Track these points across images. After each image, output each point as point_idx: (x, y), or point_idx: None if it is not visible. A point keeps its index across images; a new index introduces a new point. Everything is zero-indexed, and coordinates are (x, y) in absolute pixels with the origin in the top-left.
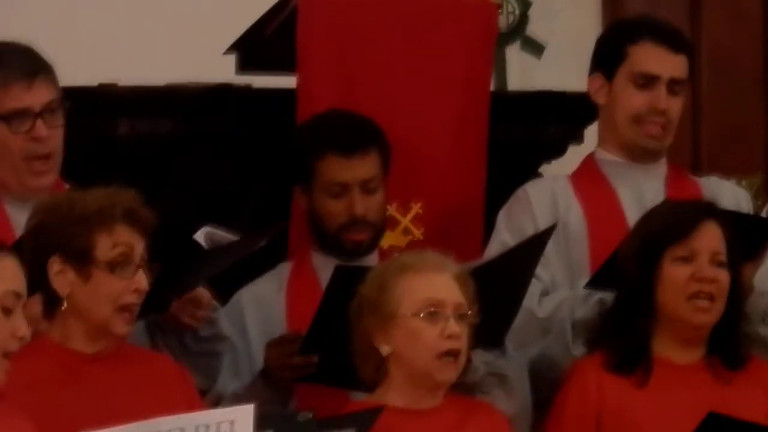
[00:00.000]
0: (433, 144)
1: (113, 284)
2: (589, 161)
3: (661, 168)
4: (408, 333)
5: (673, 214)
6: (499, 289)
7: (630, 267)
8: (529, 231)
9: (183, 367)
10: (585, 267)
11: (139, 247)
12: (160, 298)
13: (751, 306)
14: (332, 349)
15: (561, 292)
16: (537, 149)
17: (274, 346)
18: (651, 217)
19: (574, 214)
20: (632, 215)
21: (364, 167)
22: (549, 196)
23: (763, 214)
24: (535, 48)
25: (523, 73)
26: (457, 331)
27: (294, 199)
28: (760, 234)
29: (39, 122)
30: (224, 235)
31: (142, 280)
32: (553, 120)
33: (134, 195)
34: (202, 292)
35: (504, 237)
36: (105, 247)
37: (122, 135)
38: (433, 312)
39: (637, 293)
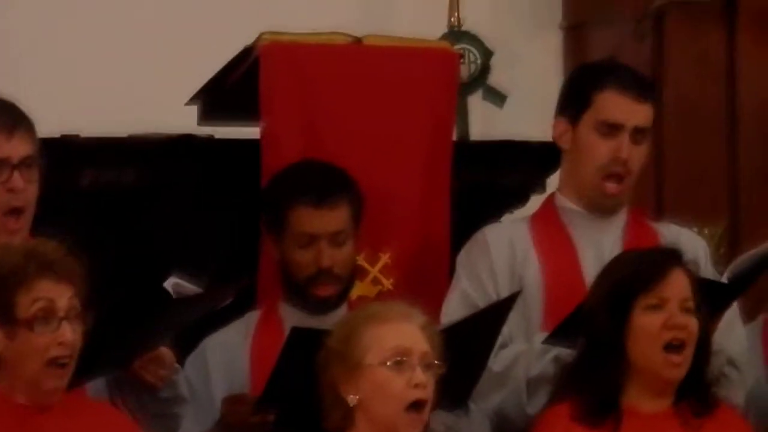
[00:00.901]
0: (399, 191)
1: (36, 340)
2: (549, 206)
3: (620, 218)
4: (375, 382)
5: (640, 262)
6: (463, 350)
7: (598, 317)
8: (486, 279)
9: (137, 423)
10: (539, 320)
11: (64, 298)
12: (123, 353)
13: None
14: (289, 406)
15: (516, 345)
16: (500, 197)
17: (230, 403)
18: (617, 265)
19: (531, 266)
20: (589, 268)
21: (333, 219)
22: (507, 243)
23: (723, 272)
24: (498, 97)
25: (485, 122)
26: (424, 380)
27: (264, 247)
28: (721, 297)
29: (16, 174)
30: (191, 288)
31: (66, 332)
32: (515, 168)
33: (55, 246)
34: (165, 352)
35: (463, 285)
36: (25, 304)
37: (85, 186)
38: (400, 361)
39: (606, 344)
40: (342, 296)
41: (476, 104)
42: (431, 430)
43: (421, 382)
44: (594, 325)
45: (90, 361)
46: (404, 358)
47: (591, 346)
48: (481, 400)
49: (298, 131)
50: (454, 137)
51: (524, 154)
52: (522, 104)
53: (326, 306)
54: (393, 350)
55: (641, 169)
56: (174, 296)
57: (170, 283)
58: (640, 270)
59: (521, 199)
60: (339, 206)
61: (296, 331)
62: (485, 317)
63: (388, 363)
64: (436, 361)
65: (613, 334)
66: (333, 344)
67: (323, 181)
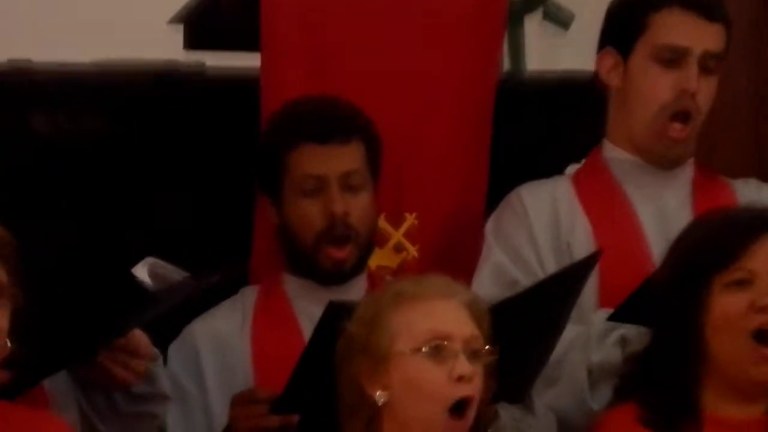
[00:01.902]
0: (427, 140)
1: None
2: (596, 159)
3: (686, 171)
4: (407, 375)
5: (721, 228)
6: (523, 331)
7: (668, 300)
8: (525, 249)
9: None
10: (594, 296)
11: None
12: (84, 344)
13: None
14: (318, 406)
15: (570, 328)
16: (562, 148)
17: (241, 404)
18: (690, 232)
19: (579, 230)
20: (651, 230)
21: (343, 157)
22: (548, 205)
23: None
24: (561, 19)
25: (545, 52)
26: (470, 371)
27: (258, 212)
28: None
29: None
30: (171, 269)
31: None
32: (583, 110)
33: None
34: (139, 337)
35: (496, 257)
36: None
37: (38, 130)
38: (438, 347)
39: (679, 333)
40: (360, 262)
41: (534, 28)
42: (500, 425)
43: (466, 373)
44: (664, 310)
45: (42, 353)
46: (444, 343)
47: (661, 335)
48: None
49: (304, 68)
50: (503, 69)
51: (595, 92)
52: (592, 28)
53: (342, 272)
54: (429, 333)
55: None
56: (151, 279)
57: (145, 264)
58: (718, 237)
59: (590, 150)
60: (350, 142)
61: (334, 306)
62: (552, 288)
63: (423, 349)
64: (485, 348)
65: (688, 320)
66: (355, 330)
67: (329, 114)
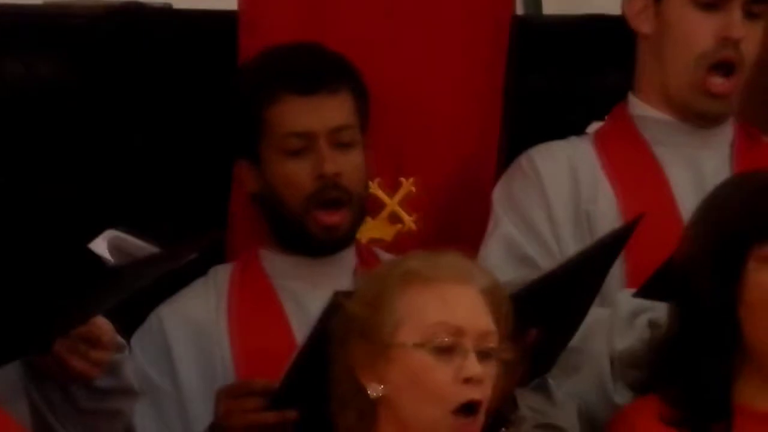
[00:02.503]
0: (428, 97)
1: None
2: (622, 117)
3: (725, 131)
4: (408, 370)
5: (755, 194)
6: (548, 315)
7: (697, 276)
8: (539, 219)
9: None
10: (620, 274)
11: None
12: (37, 332)
13: None
14: (317, 401)
15: (593, 310)
16: (585, 101)
17: (228, 397)
18: (722, 198)
19: (602, 198)
20: (685, 198)
21: (332, 110)
22: (565, 169)
23: None
24: None
25: None
26: (480, 373)
27: (235, 176)
28: None
29: None
30: (137, 244)
31: None
32: (608, 58)
33: None
34: (101, 324)
35: (506, 228)
36: None
37: None
38: (447, 344)
39: (709, 314)
40: (353, 229)
41: None
42: (518, 417)
43: (476, 375)
44: (691, 288)
45: None
46: (453, 340)
47: (688, 317)
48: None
49: (295, 12)
50: (518, 12)
51: (622, 37)
52: None
53: (334, 240)
54: (438, 326)
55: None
56: (112, 254)
57: (107, 237)
58: (757, 204)
59: (616, 103)
60: (338, 93)
61: (340, 296)
62: (581, 267)
63: (428, 345)
64: (502, 346)
65: (720, 299)
66: (355, 309)
67: (313, 62)
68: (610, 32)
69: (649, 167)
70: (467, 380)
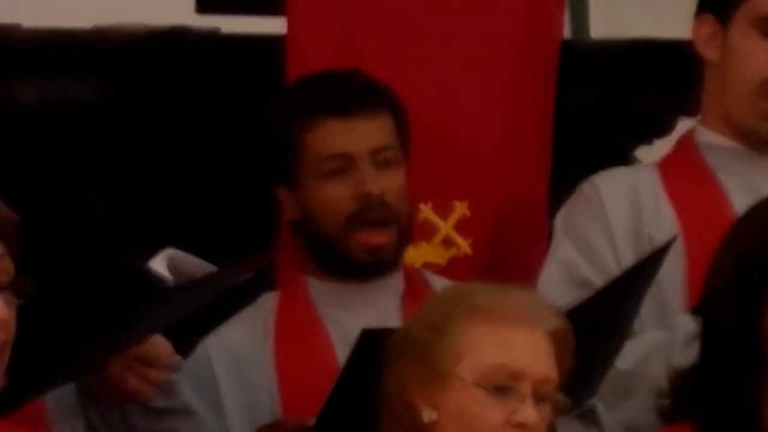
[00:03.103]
0: (479, 121)
1: None
2: (687, 144)
3: None
4: (462, 405)
5: None
6: (594, 335)
7: (723, 303)
8: (600, 244)
9: None
10: (679, 298)
11: None
12: (93, 351)
13: None
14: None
15: (651, 334)
16: (629, 124)
17: None
18: (748, 223)
19: (664, 224)
20: None
21: (371, 131)
22: (628, 195)
23: None
24: None
25: (611, 16)
26: (534, 419)
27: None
28: None
29: None
30: (194, 262)
31: None
32: (654, 82)
33: None
34: (159, 344)
35: (566, 253)
36: None
37: (26, 101)
38: (505, 387)
39: (735, 341)
40: (398, 252)
41: None
42: None
43: (529, 421)
44: (717, 314)
45: (45, 364)
46: (511, 385)
47: (715, 343)
48: (607, 409)
49: (330, 37)
50: (565, 36)
51: (668, 62)
52: None
53: (378, 262)
54: (498, 368)
55: None
56: (169, 273)
57: (165, 257)
58: None
59: (662, 127)
60: (377, 114)
61: (369, 335)
62: (625, 284)
63: (486, 386)
64: (557, 394)
65: (744, 325)
66: (417, 332)
67: (350, 85)
68: (654, 56)
69: (713, 194)
70: (520, 425)
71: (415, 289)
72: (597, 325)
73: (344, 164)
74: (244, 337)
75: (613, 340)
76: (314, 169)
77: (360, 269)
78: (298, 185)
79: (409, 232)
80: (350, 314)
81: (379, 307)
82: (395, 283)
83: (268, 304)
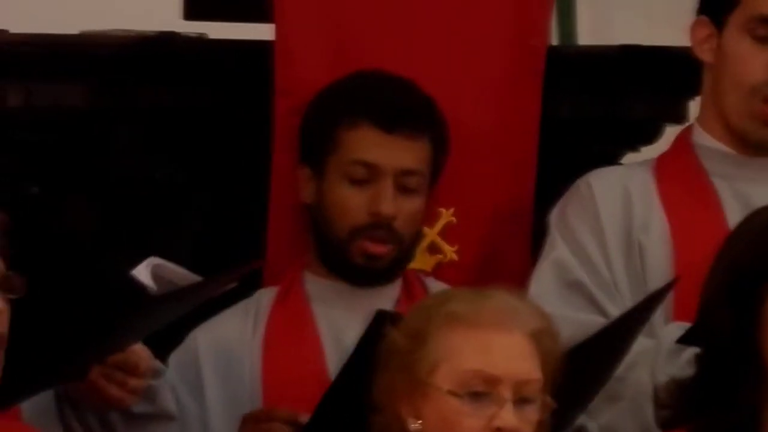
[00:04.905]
0: (464, 128)
1: None
2: (683, 145)
3: None
4: (441, 413)
5: None
6: (589, 371)
7: (717, 312)
8: (590, 244)
9: None
10: (668, 305)
11: None
12: (74, 359)
13: None
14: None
15: (638, 341)
16: (617, 131)
17: (253, 422)
18: (741, 235)
19: (655, 228)
20: None
21: (407, 153)
22: (621, 196)
23: None
24: None
25: (597, 22)
26: (512, 424)
27: (274, 196)
28: None
29: None
30: (178, 271)
31: None
32: (641, 88)
33: None
34: (139, 351)
35: (559, 251)
36: None
37: (15, 107)
38: (481, 393)
39: (730, 349)
40: (396, 267)
41: None
42: None
43: (507, 426)
44: (713, 323)
45: (26, 370)
46: (489, 389)
47: (711, 352)
48: (588, 416)
49: (325, 41)
50: (552, 42)
51: (655, 67)
52: None
53: (374, 269)
54: (475, 375)
55: None
56: (153, 281)
57: (147, 265)
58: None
59: (649, 133)
60: (419, 138)
61: (383, 316)
62: (623, 326)
63: (461, 393)
64: (542, 396)
65: (740, 336)
66: (399, 340)
67: (403, 99)
68: (641, 62)
69: (706, 199)
70: (499, 430)
71: (412, 294)
72: (592, 363)
73: (369, 174)
74: (234, 328)
75: (606, 375)
76: (342, 168)
77: (356, 273)
78: (322, 173)
79: (411, 252)
80: (344, 314)
81: (374, 308)
82: (393, 288)
83: (264, 298)
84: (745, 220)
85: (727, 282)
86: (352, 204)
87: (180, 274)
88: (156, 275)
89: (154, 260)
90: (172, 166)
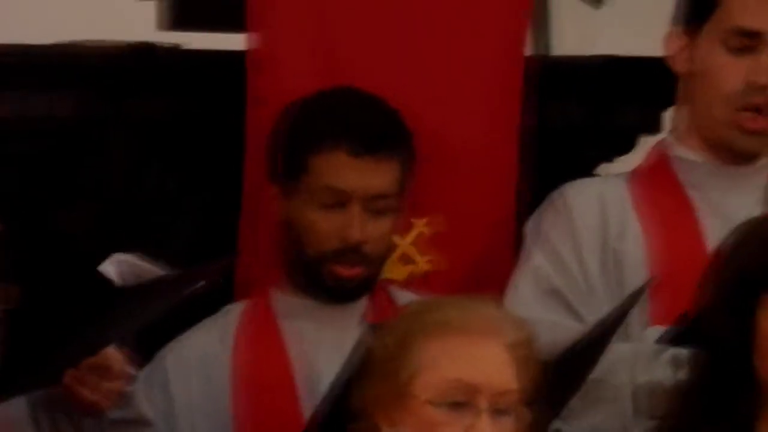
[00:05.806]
0: (442, 138)
1: None
2: (658, 157)
3: (761, 172)
4: (419, 424)
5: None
6: (566, 378)
7: (714, 320)
8: (567, 255)
9: None
10: (644, 311)
11: None
12: (47, 363)
13: None
14: None
15: (617, 345)
16: (593, 140)
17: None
18: (737, 244)
19: (631, 238)
20: (716, 243)
21: (375, 177)
22: (597, 207)
23: None
24: None
25: (574, 33)
26: None
27: (245, 209)
28: None
29: None
30: (146, 267)
31: None
32: (617, 99)
33: None
34: (111, 354)
35: (536, 261)
36: None
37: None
38: (459, 403)
39: (726, 358)
40: (369, 281)
41: (563, 6)
42: None
43: None
44: (708, 331)
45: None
46: (467, 399)
47: (706, 359)
48: (569, 418)
49: (305, 51)
50: (528, 53)
51: (631, 78)
52: (629, 6)
53: (344, 290)
54: (452, 384)
55: None
56: (122, 277)
57: (116, 262)
58: (763, 254)
59: (625, 143)
60: (388, 161)
61: (373, 331)
62: (601, 331)
63: (439, 403)
64: (520, 406)
65: (735, 345)
66: (378, 350)
67: (371, 123)
68: (623, 72)
69: (681, 209)
70: None
71: (379, 305)
72: (570, 370)
73: (338, 199)
74: (205, 344)
75: (581, 380)
76: (309, 192)
77: (326, 292)
78: (290, 195)
79: (381, 268)
80: (312, 327)
81: (341, 323)
82: (360, 302)
83: (232, 312)
84: (742, 228)
85: (724, 290)
86: (321, 229)
87: (149, 270)
88: (124, 271)
89: (120, 256)
90: (149, 173)
